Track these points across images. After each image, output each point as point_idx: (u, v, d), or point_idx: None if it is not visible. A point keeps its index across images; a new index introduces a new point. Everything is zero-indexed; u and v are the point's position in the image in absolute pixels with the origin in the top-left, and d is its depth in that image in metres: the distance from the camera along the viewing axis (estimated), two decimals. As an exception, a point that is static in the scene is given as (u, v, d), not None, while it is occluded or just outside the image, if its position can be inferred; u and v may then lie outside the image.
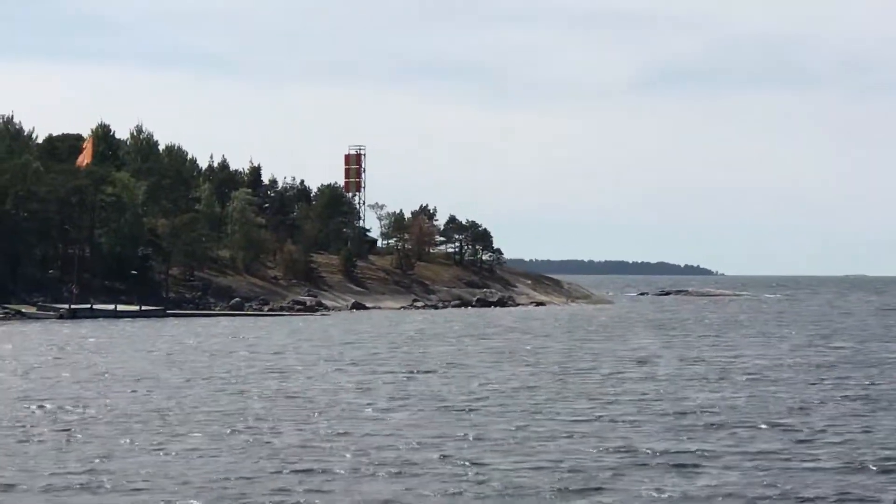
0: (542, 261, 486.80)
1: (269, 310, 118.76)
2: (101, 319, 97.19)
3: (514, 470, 28.73)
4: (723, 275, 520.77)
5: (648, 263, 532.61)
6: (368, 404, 41.07)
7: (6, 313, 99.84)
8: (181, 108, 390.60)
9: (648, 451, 31.73)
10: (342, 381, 49.29)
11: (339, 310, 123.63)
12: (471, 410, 39.61)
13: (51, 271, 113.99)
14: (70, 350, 64.94)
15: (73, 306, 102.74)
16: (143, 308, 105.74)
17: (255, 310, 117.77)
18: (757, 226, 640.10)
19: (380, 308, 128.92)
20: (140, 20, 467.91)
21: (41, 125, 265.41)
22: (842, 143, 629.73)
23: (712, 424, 36.71)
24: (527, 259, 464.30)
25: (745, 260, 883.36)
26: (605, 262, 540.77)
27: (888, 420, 38.30)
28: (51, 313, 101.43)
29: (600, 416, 38.32)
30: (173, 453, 30.35)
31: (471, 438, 33.37)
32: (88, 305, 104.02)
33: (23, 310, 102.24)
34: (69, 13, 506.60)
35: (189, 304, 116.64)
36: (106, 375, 50.38)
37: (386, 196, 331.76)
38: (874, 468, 29.83)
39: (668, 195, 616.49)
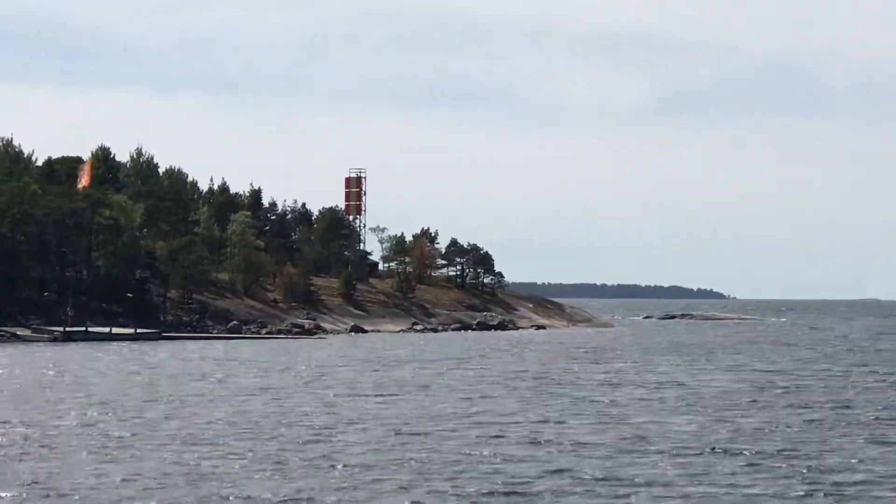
0: (555, 284, 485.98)
1: (268, 333, 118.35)
2: (94, 342, 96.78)
3: (435, 492, 28.25)
4: (735, 298, 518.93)
5: (661, 287, 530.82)
6: (323, 428, 40.62)
7: (1, 336, 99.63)
8: (184, 131, 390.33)
9: (587, 476, 31.29)
10: (306, 404, 48.81)
11: (338, 333, 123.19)
12: (424, 434, 39.14)
13: (46, 294, 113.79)
14: (47, 373, 64.58)
15: (67, 329, 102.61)
16: (138, 331, 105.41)
17: (253, 333, 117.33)
18: (770, 250, 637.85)
19: (379, 331, 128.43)
20: (145, 45, 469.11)
21: (47, 149, 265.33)
22: (856, 167, 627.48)
23: (662, 451, 36.13)
24: (539, 283, 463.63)
25: (759, 284, 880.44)
26: (618, 285, 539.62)
27: (848, 444, 37.76)
28: (45, 336, 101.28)
29: (550, 441, 37.80)
30: (95, 477, 30.01)
31: (410, 462, 32.87)
32: (83, 328, 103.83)
33: (18, 332, 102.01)
34: (74, 37, 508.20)
35: (187, 326, 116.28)
36: (68, 399, 49.96)
37: (397, 220, 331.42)
38: (814, 494, 29.31)
39: (683, 219, 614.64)
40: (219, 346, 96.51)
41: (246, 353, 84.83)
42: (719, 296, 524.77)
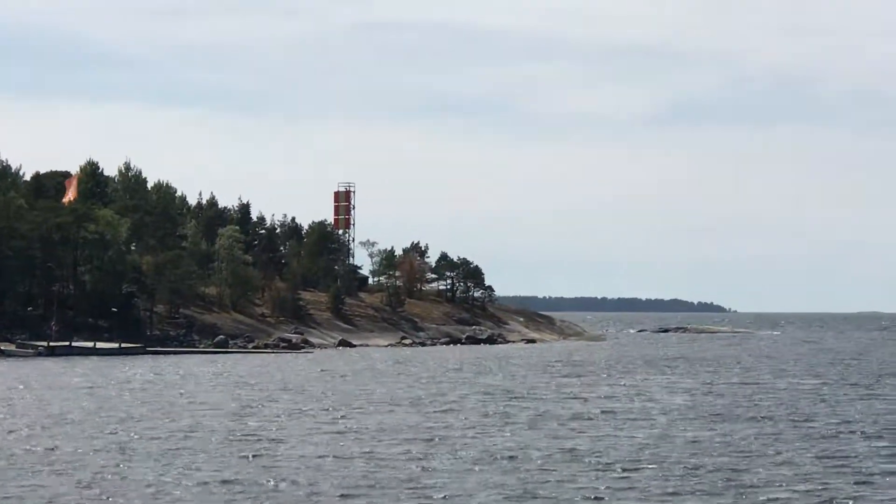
0: (555, 298, 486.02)
1: (254, 347, 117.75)
2: (78, 357, 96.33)
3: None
4: (735, 312, 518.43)
5: (662, 301, 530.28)
6: (272, 442, 40.25)
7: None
8: (175, 144, 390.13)
9: (517, 491, 30.93)
10: (263, 419, 48.40)
11: (326, 347, 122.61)
12: (370, 450, 38.76)
13: (30, 308, 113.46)
14: (17, 386, 64.26)
15: (51, 344, 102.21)
16: (123, 345, 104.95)
17: (239, 347, 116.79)
18: (773, 262, 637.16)
19: (367, 346, 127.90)
20: (136, 57, 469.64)
21: (36, 163, 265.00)
22: (857, 178, 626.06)
23: (609, 464, 35.92)
24: (539, 296, 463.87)
25: (761, 297, 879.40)
26: (619, 299, 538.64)
27: (797, 459, 37.41)
28: (29, 351, 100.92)
29: (493, 456, 37.36)
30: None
31: (342, 478, 32.52)
32: (67, 343, 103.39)
33: (2, 347, 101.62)
34: (67, 48, 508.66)
35: (173, 341, 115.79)
36: (27, 413, 49.64)
37: (391, 234, 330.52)
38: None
39: (685, 231, 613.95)
40: (200, 360, 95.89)
41: (223, 368, 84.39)
42: (720, 309, 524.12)
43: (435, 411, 52.25)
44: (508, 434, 43.40)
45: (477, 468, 34.76)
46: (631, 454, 37.99)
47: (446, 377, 76.36)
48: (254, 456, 36.91)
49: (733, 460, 36.86)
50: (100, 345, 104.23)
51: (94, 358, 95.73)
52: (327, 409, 52.60)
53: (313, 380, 72.55)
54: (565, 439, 41.96)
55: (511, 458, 36.93)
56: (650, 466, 35.33)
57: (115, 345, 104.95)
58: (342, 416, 49.52)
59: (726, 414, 51.55)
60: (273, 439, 41.26)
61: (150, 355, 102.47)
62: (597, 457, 37.36)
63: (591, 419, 49.23)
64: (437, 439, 41.65)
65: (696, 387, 68.02)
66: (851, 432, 45.03)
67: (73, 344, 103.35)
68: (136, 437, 41.50)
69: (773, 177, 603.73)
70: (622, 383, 70.73)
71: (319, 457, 36.82)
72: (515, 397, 60.03)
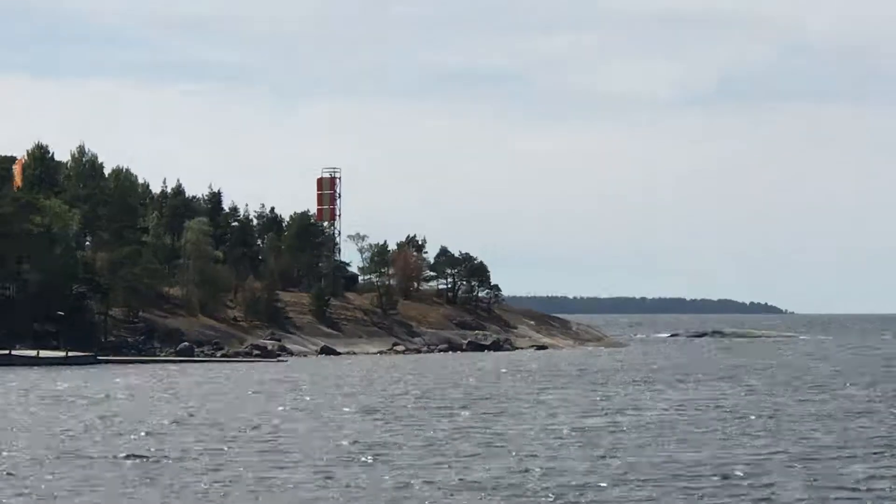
0: (590, 298, 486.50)
1: (223, 355, 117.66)
2: (17, 367, 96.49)
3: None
4: (792, 314, 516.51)
5: (709, 301, 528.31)
6: (176, 460, 40.53)
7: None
8: (140, 125, 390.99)
9: None
10: (182, 440, 48.68)
11: (306, 355, 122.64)
12: (268, 475, 38.96)
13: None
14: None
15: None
16: (70, 354, 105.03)
17: (206, 355, 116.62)
18: (836, 258, 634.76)
19: (354, 353, 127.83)
20: (107, 30, 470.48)
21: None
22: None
23: (564, 487, 35.95)
24: (570, 296, 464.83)
25: (825, 297, 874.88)
26: (660, 299, 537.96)
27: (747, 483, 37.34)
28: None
29: (408, 484, 37.33)
30: None
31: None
32: (7, 351, 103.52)
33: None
34: (34, 23, 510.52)
35: (131, 349, 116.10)
36: None
37: (389, 226, 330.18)
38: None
39: (737, 224, 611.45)
40: (153, 370, 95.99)
41: (171, 380, 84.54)
42: (775, 310, 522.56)
43: (382, 427, 52.47)
44: (451, 455, 43.43)
45: (391, 486, 34.95)
46: (567, 479, 37.99)
47: (418, 387, 76.59)
48: (144, 478, 37.23)
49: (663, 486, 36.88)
50: (44, 353, 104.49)
51: (36, 368, 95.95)
52: (258, 427, 52.79)
53: (256, 393, 72.61)
54: (515, 458, 42.12)
55: (428, 482, 36.98)
56: (582, 491, 35.48)
57: (62, 353, 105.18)
58: (269, 435, 49.67)
59: (694, 433, 50.98)
60: (174, 458, 41.59)
61: (101, 365, 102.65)
62: (539, 481, 37.44)
63: (558, 437, 49.19)
64: (367, 458, 41.81)
65: (683, 402, 67.82)
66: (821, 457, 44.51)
67: (14, 353, 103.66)
68: (17, 458, 41.88)
69: (834, 162, 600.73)
70: (608, 396, 70.86)
71: (229, 481, 37.07)
72: (480, 412, 60.11)
